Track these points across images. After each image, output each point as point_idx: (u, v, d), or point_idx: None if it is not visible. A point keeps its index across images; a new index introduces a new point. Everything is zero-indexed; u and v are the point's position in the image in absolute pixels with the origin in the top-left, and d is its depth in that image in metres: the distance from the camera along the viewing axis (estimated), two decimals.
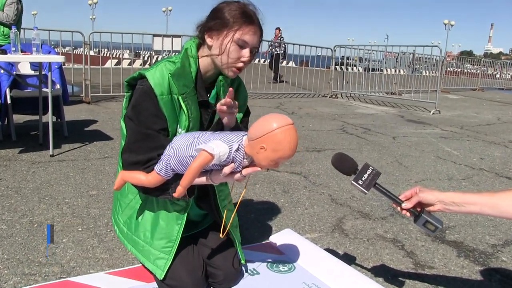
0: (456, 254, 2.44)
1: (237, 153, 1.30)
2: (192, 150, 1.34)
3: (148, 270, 1.65)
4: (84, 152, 4.07)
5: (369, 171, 1.56)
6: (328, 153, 4.62)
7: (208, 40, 1.53)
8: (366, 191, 1.53)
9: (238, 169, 1.34)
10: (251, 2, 1.54)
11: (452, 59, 19.00)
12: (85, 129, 5.17)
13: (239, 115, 1.70)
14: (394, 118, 7.69)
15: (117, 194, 1.72)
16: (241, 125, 1.63)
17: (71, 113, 5.93)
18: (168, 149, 1.41)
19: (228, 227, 1.63)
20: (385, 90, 11.63)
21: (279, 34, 12.75)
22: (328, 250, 2.34)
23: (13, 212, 2.62)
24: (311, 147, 4.89)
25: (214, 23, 1.50)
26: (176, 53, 1.76)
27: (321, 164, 4.14)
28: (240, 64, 1.51)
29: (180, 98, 1.48)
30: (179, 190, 1.35)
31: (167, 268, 1.57)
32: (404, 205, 1.54)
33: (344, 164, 1.59)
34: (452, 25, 51.83)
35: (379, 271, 2.18)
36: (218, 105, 1.44)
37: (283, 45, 12.69)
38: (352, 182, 1.53)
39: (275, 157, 1.26)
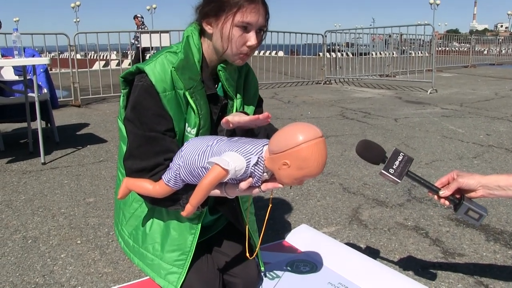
0: (485, 238, 2.28)
1: (256, 167, 1.10)
2: (205, 161, 1.14)
3: (159, 285, 1.47)
4: (77, 157, 3.87)
5: (400, 158, 1.38)
6: (332, 140, 4.45)
7: (207, 28, 1.33)
8: (399, 180, 1.35)
9: (256, 184, 1.14)
10: None
11: (440, 38, 18.78)
12: (77, 133, 4.96)
13: (251, 108, 1.51)
14: (392, 100, 7.53)
15: (120, 203, 1.54)
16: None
17: (61, 117, 5.72)
18: (177, 157, 1.21)
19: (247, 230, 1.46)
20: (378, 73, 11.47)
21: (140, 24, 10.75)
22: (349, 244, 2.17)
23: (4, 228, 2.43)
24: None
25: (210, 8, 1.30)
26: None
27: None
28: (246, 49, 1.32)
29: (187, 93, 1.29)
30: (188, 209, 1.17)
31: (180, 283, 1.39)
32: (442, 192, 1.35)
33: (371, 152, 1.41)
34: (438, 4, 51.62)
35: (407, 264, 2.02)
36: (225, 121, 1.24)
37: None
38: (382, 171, 1.35)
39: (299, 175, 1.06)
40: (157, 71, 1.28)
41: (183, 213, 1.19)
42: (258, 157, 1.10)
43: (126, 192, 1.32)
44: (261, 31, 1.33)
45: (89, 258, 2.08)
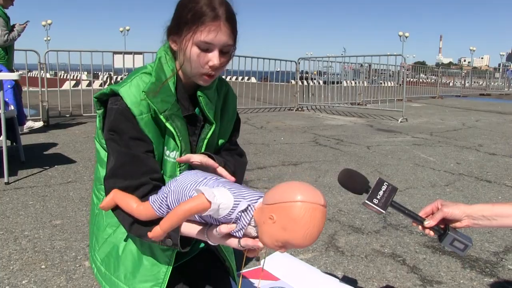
0: (461, 265, 2.27)
1: (243, 214, 0.98)
2: (193, 190, 1.05)
3: None
4: (44, 178, 3.72)
5: (384, 187, 1.33)
6: (305, 166, 4.44)
7: (173, 46, 1.26)
8: (383, 211, 1.30)
9: (237, 234, 1.01)
10: None
11: (408, 70, 19.34)
12: (44, 153, 4.79)
13: (229, 129, 1.45)
14: (364, 128, 7.63)
15: (93, 227, 1.45)
16: (228, 151, 1.41)
17: (28, 136, 5.53)
18: (172, 181, 1.14)
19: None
20: (350, 101, 11.66)
21: None
22: (327, 272, 2.12)
23: None
24: (287, 160, 4.70)
25: (174, 24, 1.24)
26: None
27: (300, 178, 3.94)
28: (208, 70, 1.22)
29: (161, 116, 1.21)
30: (156, 232, 1.05)
31: None
32: (427, 223, 1.31)
33: (354, 182, 1.35)
34: (406, 37, 53.35)
35: None
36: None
37: None
38: (366, 201, 1.29)
39: (281, 237, 0.91)
40: (132, 93, 1.21)
41: (149, 234, 1.08)
42: (249, 205, 0.99)
43: (110, 205, 1.21)
44: (226, 48, 1.22)
45: (54, 284, 1.96)
